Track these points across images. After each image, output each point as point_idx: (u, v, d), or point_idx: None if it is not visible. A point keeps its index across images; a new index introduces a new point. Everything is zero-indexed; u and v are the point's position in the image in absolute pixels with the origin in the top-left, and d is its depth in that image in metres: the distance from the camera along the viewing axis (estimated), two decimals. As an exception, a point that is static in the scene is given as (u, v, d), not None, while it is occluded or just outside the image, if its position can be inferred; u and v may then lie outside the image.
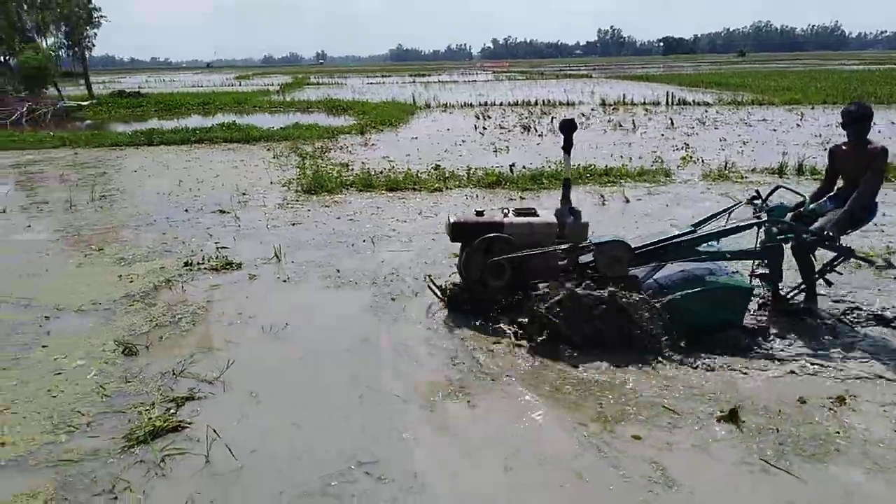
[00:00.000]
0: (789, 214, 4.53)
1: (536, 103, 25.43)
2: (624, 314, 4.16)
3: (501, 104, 25.86)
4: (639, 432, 3.40)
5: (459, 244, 4.96)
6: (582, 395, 3.79)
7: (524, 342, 4.35)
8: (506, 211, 4.99)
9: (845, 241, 4.59)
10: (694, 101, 24.56)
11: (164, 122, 22.29)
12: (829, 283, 4.79)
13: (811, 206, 4.59)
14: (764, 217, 4.52)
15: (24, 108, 22.43)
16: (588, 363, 4.12)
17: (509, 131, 16.89)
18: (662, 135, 15.68)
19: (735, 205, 4.96)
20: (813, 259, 4.70)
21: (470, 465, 3.20)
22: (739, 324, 4.44)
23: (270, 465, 3.23)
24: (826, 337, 4.44)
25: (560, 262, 4.68)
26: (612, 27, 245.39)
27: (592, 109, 22.98)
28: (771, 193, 4.88)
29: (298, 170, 11.35)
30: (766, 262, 4.66)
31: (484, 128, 17.71)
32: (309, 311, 5.15)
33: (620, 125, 17.79)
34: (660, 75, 47.83)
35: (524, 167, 11.03)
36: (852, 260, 4.80)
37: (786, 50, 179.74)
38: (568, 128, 4.94)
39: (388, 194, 9.54)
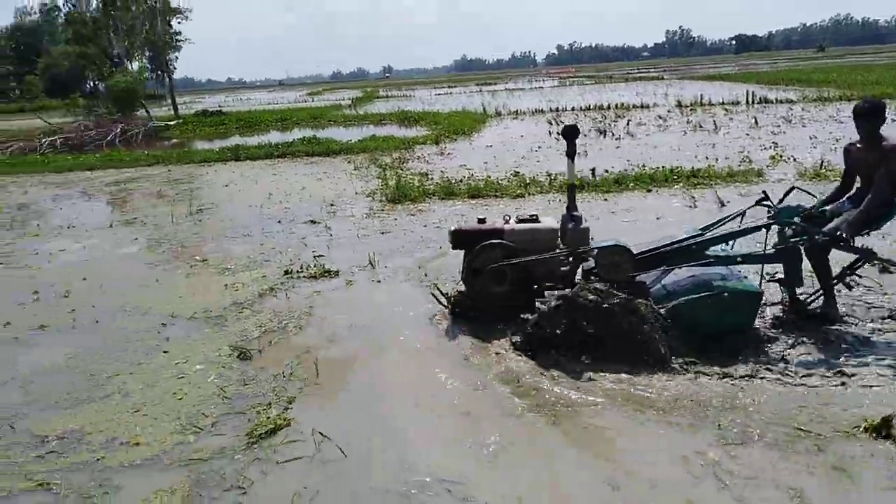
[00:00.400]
0: (798, 216, 4.36)
1: (609, 107, 25.04)
2: (623, 318, 4.02)
3: (573, 109, 25.62)
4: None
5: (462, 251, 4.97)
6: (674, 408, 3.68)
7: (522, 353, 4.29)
8: (507, 218, 5.00)
9: (865, 242, 4.41)
10: (776, 100, 23.60)
11: (245, 138, 23.13)
12: (849, 287, 4.56)
13: (824, 207, 4.43)
14: (772, 218, 4.38)
15: (118, 129, 23.78)
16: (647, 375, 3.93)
17: (585, 136, 16.69)
18: (747, 134, 15.13)
19: (748, 207, 4.79)
20: (829, 262, 4.44)
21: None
22: (749, 329, 4.29)
23: (375, 460, 3.32)
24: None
25: (563, 269, 4.67)
26: (680, 27, 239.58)
27: (669, 111, 22.42)
28: (787, 194, 4.68)
29: (380, 180, 11.57)
30: (783, 265, 4.41)
31: (559, 133, 17.52)
32: (403, 315, 5.24)
33: (700, 126, 17.28)
34: (735, 74, 46.25)
35: (605, 171, 10.87)
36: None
37: (867, 43, 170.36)
38: (570, 134, 4.89)
39: (471, 201, 9.59)
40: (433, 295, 5.25)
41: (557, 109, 25.57)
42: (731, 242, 4.52)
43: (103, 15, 44.71)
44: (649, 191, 9.59)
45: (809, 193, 4.62)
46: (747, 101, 23.19)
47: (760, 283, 4.56)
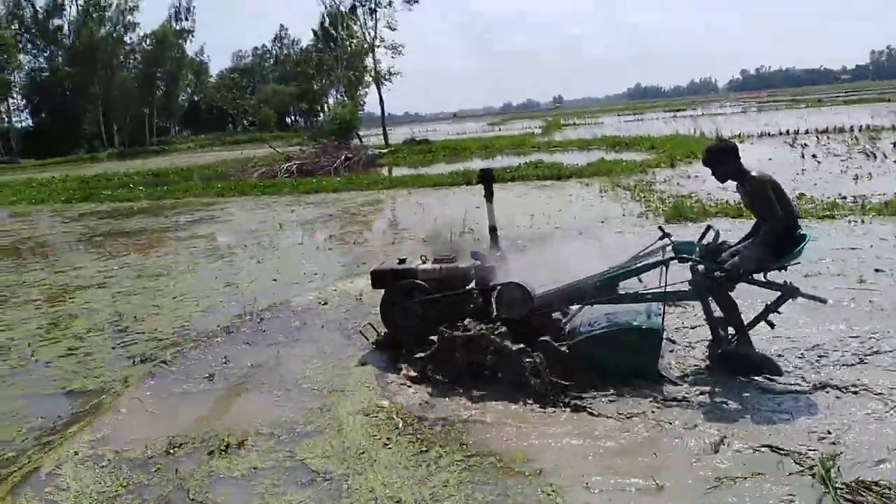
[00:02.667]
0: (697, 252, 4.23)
1: (850, 129, 22.51)
2: (496, 355, 4.16)
3: (804, 132, 23.36)
4: None
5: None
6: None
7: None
8: (424, 258, 5.21)
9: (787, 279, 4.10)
10: None
11: (449, 164, 23.85)
12: (771, 325, 4.17)
13: (716, 241, 4.30)
14: (670, 255, 4.22)
15: (342, 157, 25.53)
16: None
17: (849, 158, 14.99)
18: None
19: (649, 245, 4.61)
20: (731, 298, 4.16)
21: None
22: (653, 369, 4.08)
23: None
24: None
25: (471, 306, 4.75)
26: (888, 47, 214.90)
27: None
28: (705, 233, 4.43)
29: (640, 202, 11.05)
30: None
31: (813, 155, 15.94)
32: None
33: None
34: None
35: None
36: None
37: None
38: (487, 177, 5.42)
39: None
40: (361, 332, 5.30)
41: (789, 132, 23.44)
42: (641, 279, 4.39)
43: (304, 59, 49.24)
44: None
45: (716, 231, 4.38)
46: None
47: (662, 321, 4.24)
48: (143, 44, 69.30)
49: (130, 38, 69.12)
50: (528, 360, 4.06)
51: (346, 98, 42.17)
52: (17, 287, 8.82)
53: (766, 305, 4.17)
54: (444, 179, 17.38)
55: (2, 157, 58.74)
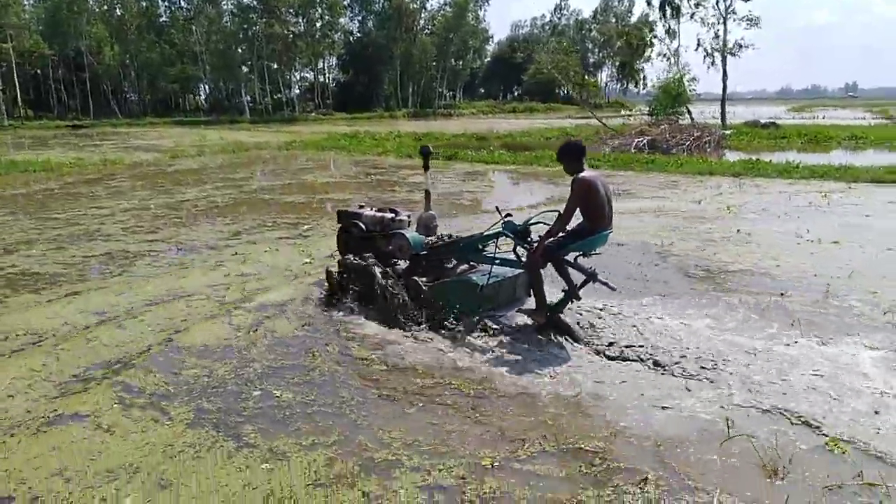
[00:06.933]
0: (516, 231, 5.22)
1: None
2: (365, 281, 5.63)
3: None
4: None
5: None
6: None
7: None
8: (369, 205, 6.63)
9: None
10: None
11: (806, 154, 21.04)
12: (577, 298, 5.00)
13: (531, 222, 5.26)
14: (499, 230, 5.26)
15: (693, 136, 23.91)
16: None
17: None
18: None
19: (497, 222, 5.35)
20: (539, 274, 4.98)
21: None
22: (473, 312, 5.25)
23: None
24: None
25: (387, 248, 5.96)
26: None
27: None
28: (529, 220, 5.31)
29: None
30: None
31: None
32: None
33: None
34: None
35: None
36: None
37: None
38: (425, 153, 6.59)
39: None
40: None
41: None
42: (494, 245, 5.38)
43: (627, 31, 46.69)
44: None
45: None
46: None
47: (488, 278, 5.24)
48: (444, 10, 72.98)
49: (431, 4, 73.37)
50: (394, 291, 5.43)
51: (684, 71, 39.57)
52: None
53: (574, 286, 4.95)
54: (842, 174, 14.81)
55: (319, 110, 66.21)
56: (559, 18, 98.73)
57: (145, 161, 21.51)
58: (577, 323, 5.27)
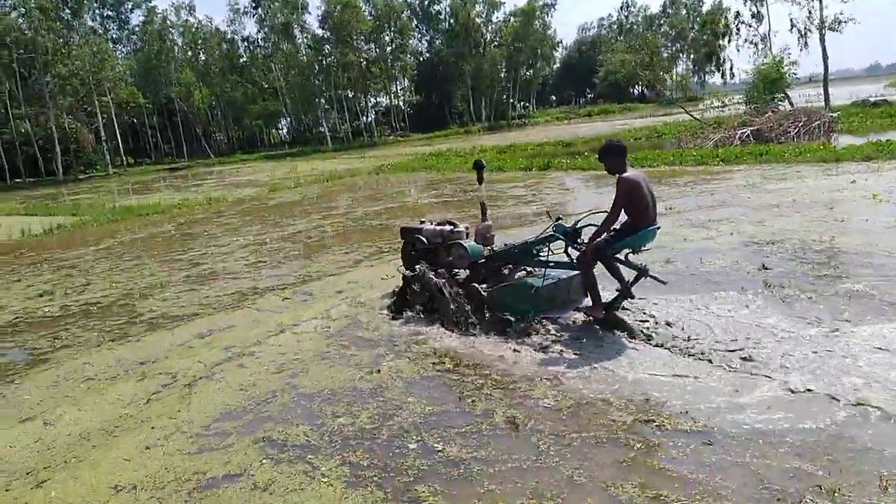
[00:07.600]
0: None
1: None
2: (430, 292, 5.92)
3: None
4: None
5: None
6: None
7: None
8: (431, 221, 7.10)
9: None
10: None
11: None
12: (630, 296, 5.23)
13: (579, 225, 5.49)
14: (551, 233, 5.51)
15: (801, 122, 22.37)
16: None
17: None
18: None
19: (549, 226, 5.65)
20: (592, 273, 5.16)
21: None
22: (533, 313, 5.36)
23: None
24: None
25: (448, 259, 6.43)
26: None
27: None
28: (577, 221, 5.58)
29: None
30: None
31: None
32: None
33: None
34: None
35: None
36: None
37: None
38: (479, 167, 6.55)
39: None
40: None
41: None
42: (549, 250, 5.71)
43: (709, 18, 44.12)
44: None
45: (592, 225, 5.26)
46: None
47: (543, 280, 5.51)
48: (511, 19, 72.60)
49: (497, 17, 73.18)
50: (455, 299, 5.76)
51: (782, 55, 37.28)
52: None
53: (626, 282, 5.16)
54: None
55: (396, 132, 67.20)
56: (626, 17, 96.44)
57: (247, 196, 22.15)
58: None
